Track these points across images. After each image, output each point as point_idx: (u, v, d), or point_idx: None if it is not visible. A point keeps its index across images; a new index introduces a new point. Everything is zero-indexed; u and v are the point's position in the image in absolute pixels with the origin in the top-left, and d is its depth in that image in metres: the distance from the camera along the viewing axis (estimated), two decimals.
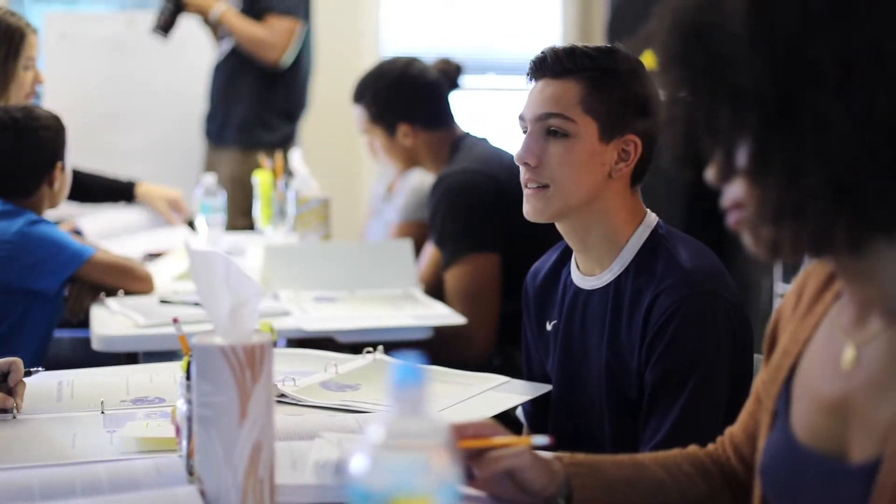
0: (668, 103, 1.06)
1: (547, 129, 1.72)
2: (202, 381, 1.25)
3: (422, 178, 3.22)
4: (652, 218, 1.75)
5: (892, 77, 0.95)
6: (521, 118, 1.75)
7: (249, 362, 1.24)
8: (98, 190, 3.32)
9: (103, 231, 3.27)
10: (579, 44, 1.73)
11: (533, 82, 1.75)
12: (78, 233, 3.25)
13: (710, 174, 1.06)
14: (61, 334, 2.83)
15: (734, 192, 1.04)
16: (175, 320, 1.46)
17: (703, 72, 1.01)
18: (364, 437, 0.86)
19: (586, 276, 1.77)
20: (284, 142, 4.28)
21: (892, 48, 0.95)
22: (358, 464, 0.85)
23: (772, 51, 0.97)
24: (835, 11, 0.96)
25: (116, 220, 3.38)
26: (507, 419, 1.90)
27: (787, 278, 3.61)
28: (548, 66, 1.72)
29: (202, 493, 1.27)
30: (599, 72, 1.70)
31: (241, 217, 4.01)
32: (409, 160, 3.09)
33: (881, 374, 1.05)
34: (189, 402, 1.34)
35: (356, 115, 3.11)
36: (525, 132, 1.74)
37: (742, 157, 1.01)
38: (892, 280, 1.03)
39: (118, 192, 3.42)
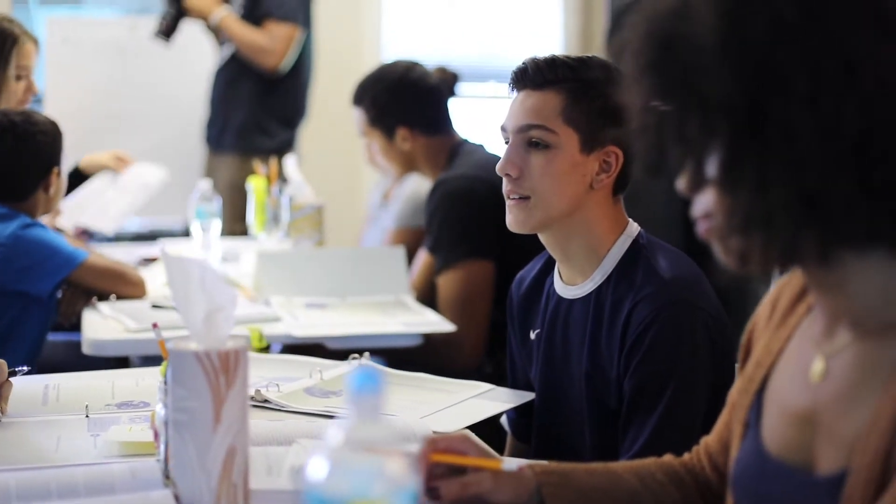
0: (640, 112, 1.06)
1: (528, 140, 1.72)
2: (177, 386, 1.26)
3: (418, 185, 3.22)
4: (633, 227, 1.76)
5: (860, 88, 0.95)
6: (503, 129, 1.76)
7: (224, 368, 1.24)
8: None
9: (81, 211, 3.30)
10: (560, 54, 1.73)
11: (515, 93, 1.75)
12: (89, 234, 3.28)
13: (681, 184, 1.06)
14: (57, 338, 2.84)
15: (704, 201, 1.04)
16: (154, 325, 1.47)
17: (674, 81, 1.02)
18: (321, 441, 0.87)
19: (568, 285, 1.77)
20: (283, 148, 4.28)
21: (861, 59, 0.95)
22: (314, 468, 0.86)
23: (741, 61, 0.97)
24: (804, 22, 0.96)
25: (84, 197, 3.41)
26: (492, 426, 1.91)
27: None
28: (528, 77, 1.72)
29: (176, 498, 1.28)
30: (580, 83, 1.70)
31: (239, 223, 4.01)
32: (407, 164, 3.10)
33: (848, 387, 1.05)
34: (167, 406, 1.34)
35: (355, 117, 3.13)
36: (507, 143, 1.75)
37: (712, 167, 1.02)
38: (861, 292, 1.04)
39: (70, 185, 3.44)
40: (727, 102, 0.98)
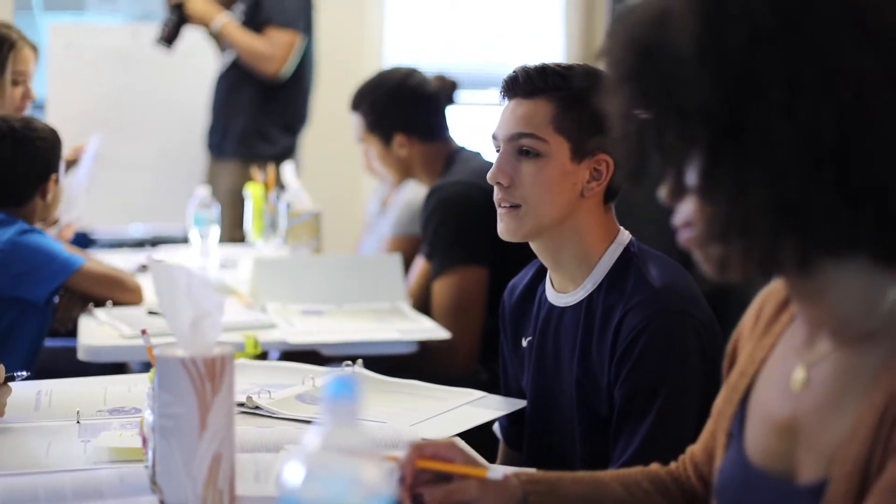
0: (620, 119, 1.07)
1: (519, 148, 1.72)
2: (163, 392, 1.26)
3: (415, 193, 3.23)
4: (625, 236, 1.76)
5: (837, 95, 0.95)
6: (494, 137, 1.76)
7: (210, 374, 1.25)
8: None
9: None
10: (551, 62, 1.74)
11: (505, 101, 1.75)
12: (86, 240, 3.27)
13: (663, 193, 1.07)
14: (54, 344, 2.84)
15: (685, 210, 1.05)
16: (143, 332, 1.48)
17: (653, 89, 1.02)
18: (298, 447, 0.87)
19: (560, 293, 1.78)
20: (284, 154, 4.28)
21: (840, 67, 0.96)
22: (290, 474, 0.86)
23: (720, 68, 0.98)
24: (783, 31, 0.97)
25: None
26: (485, 433, 1.91)
27: None
28: (519, 85, 1.72)
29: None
30: (570, 91, 1.70)
31: (240, 229, 4.02)
32: (404, 171, 3.10)
33: (829, 396, 1.05)
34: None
35: (353, 123, 3.13)
36: (498, 151, 1.75)
37: (692, 176, 1.02)
38: (840, 301, 1.04)
39: None
40: (706, 110, 0.98)
